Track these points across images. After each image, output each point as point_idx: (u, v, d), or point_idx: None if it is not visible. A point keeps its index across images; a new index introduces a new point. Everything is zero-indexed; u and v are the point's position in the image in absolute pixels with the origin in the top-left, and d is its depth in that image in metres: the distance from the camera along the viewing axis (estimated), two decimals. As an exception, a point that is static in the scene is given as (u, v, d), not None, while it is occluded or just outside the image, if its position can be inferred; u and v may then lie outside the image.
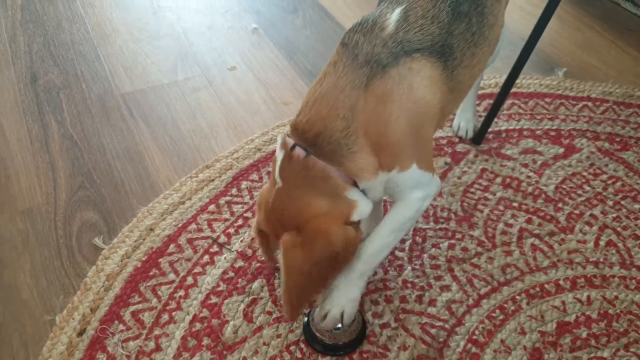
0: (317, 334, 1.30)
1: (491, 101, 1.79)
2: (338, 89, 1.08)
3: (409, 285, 1.43)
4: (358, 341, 1.31)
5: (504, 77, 1.72)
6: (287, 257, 1.08)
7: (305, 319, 1.34)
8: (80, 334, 1.33)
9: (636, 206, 1.62)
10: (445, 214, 1.59)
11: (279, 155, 1.12)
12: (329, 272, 1.12)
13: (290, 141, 1.12)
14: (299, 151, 1.09)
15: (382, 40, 1.09)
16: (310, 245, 1.07)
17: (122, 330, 1.34)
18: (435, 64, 1.11)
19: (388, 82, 1.07)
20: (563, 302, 1.40)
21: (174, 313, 1.37)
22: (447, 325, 1.35)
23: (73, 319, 1.35)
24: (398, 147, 1.10)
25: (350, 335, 1.30)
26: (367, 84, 1.07)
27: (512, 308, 1.38)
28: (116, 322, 1.35)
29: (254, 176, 1.69)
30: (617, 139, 1.83)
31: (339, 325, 1.26)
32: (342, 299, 1.21)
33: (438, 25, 1.13)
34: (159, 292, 1.41)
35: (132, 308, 1.38)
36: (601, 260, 1.49)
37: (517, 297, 1.41)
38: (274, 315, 1.36)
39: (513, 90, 1.97)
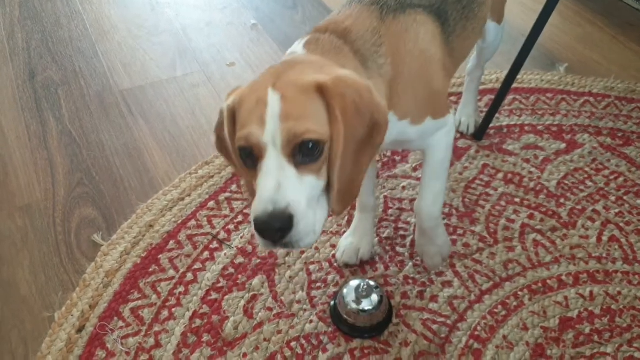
0: (344, 316, 1.31)
1: (492, 97, 1.78)
2: (356, 14, 1.07)
3: (410, 281, 1.42)
4: (384, 324, 1.32)
5: (505, 72, 1.71)
6: (341, 102, 0.90)
7: (333, 302, 1.35)
8: (80, 330, 1.32)
9: (638, 201, 1.61)
10: (446, 210, 1.58)
11: (297, 43, 1.07)
12: (367, 147, 0.95)
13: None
14: (328, 36, 1.04)
15: None
16: (357, 91, 0.92)
17: (121, 327, 1.32)
18: (435, 22, 1.14)
19: (398, 25, 1.08)
20: (566, 298, 1.39)
21: (173, 309, 1.36)
22: (449, 321, 1.34)
23: (72, 315, 1.34)
24: (411, 99, 1.09)
25: (378, 317, 1.31)
26: (383, 19, 1.07)
27: (515, 304, 1.37)
28: (115, 318, 1.34)
29: (254, 172, 1.68)
30: (620, 135, 1.82)
31: (367, 308, 1.29)
32: (435, 247, 1.33)
33: None
34: (159, 289, 1.40)
35: (131, 304, 1.37)
36: (604, 255, 1.48)
37: (520, 292, 1.40)
38: (275, 312, 1.35)
39: (514, 85, 1.95)
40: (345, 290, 1.33)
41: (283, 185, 0.88)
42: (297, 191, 0.89)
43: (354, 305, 1.30)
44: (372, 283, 1.33)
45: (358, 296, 1.30)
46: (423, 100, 1.12)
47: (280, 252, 1.35)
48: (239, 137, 0.92)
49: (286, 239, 0.88)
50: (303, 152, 0.89)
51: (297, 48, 1.06)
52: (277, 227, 0.87)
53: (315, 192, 0.92)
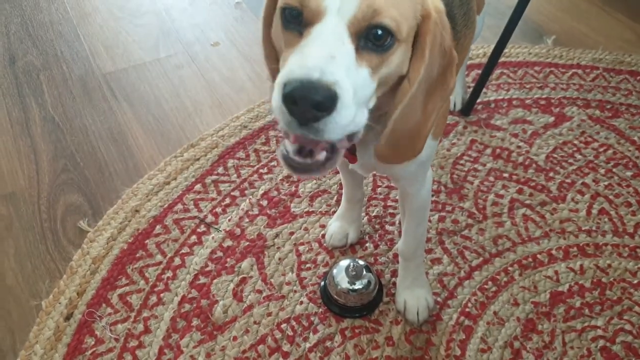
0: (335, 296, 1.30)
1: (480, 71, 1.76)
2: None
3: (400, 259, 1.41)
4: (375, 303, 1.32)
5: (493, 46, 1.69)
6: (434, 38, 0.79)
7: (322, 282, 1.35)
8: (68, 318, 1.30)
9: (628, 173, 1.60)
10: (435, 187, 1.56)
11: None
12: (438, 91, 0.85)
13: None
14: None
15: None
16: (447, 32, 0.83)
17: (110, 314, 1.31)
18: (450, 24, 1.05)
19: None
20: (556, 272, 1.38)
21: (162, 295, 1.35)
22: (439, 299, 1.33)
23: (60, 303, 1.33)
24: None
25: (368, 297, 1.31)
26: None
27: (505, 279, 1.37)
28: (104, 305, 1.33)
29: (241, 154, 1.66)
30: (608, 106, 1.81)
31: (357, 287, 1.28)
32: (418, 292, 1.30)
33: None
34: (146, 274, 1.39)
35: (119, 291, 1.36)
36: (594, 228, 1.48)
37: (510, 268, 1.39)
38: (264, 294, 1.34)
39: (502, 59, 1.94)
40: (335, 271, 1.32)
41: (338, 58, 0.70)
42: (350, 75, 0.72)
43: (343, 285, 1.29)
44: (361, 262, 1.32)
45: (348, 276, 1.29)
46: (444, 108, 1.00)
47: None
48: None
49: (319, 123, 0.70)
50: (368, 37, 0.74)
51: None
52: (317, 100, 0.68)
53: (363, 91, 0.76)
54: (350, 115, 0.72)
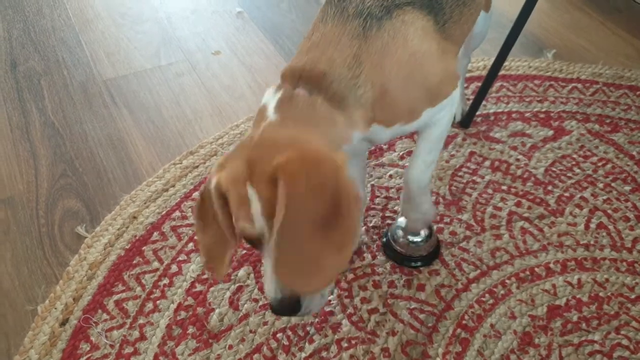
0: (397, 247, 1.43)
1: (480, 84, 1.76)
2: (334, 38, 1.02)
3: (397, 270, 1.41)
4: (433, 255, 1.44)
5: (493, 59, 1.69)
6: (290, 182, 0.87)
7: (384, 238, 1.47)
8: (63, 323, 1.30)
9: (627, 188, 1.60)
10: (433, 198, 1.56)
11: (272, 96, 1.02)
12: (334, 226, 0.90)
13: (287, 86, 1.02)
14: (301, 91, 1.00)
15: None
16: (315, 169, 0.90)
17: (105, 320, 1.31)
18: (425, 16, 1.08)
19: (383, 37, 1.02)
20: (554, 286, 1.38)
21: (158, 302, 1.34)
22: (436, 310, 1.33)
23: (55, 308, 1.32)
24: (401, 107, 1.06)
25: (427, 249, 1.43)
26: (365, 36, 1.01)
27: (502, 292, 1.37)
28: (100, 311, 1.32)
29: (240, 162, 1.66)
30: (607, 121, 1.82)
31: (418, 239, 1.42)
32: (419, 214, 1.33)
33: None
34: (143, 281, 1.38)
35: (115, 297, 1.35)
36: (592, 242, 1.47)
37: (507, 281, 1.39)
38: (261, 303, 1.34)
39: (501, 72, 1.94)
40: (396, 225, 1.45)
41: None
42: None
43: (404, 237, 1.43)
44: None
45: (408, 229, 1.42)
46: (417, 100, 1.08)
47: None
48: (238, 228, 0.96)
49: (298, 314, 1.00)
50: None
51: (270, 109, 1.00)
52: (287, 312, 1.00)
53: None
54: (316, 296, 1.01)
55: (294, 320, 1.31)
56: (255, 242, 0.96)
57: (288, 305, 0.98)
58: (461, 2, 1.18)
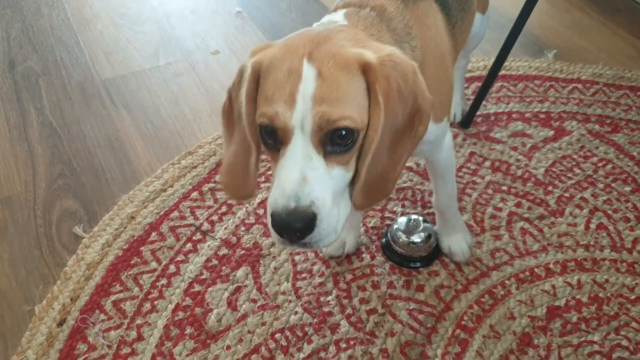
0: (396, 248, 1.42)
1: (480, 84, 1.76)
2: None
3: (397, 270, 1.40)
4: (432, 257, 1.43)
5: (493, 59, 1.68)
6: (385, 84, 0.81)
7: (383, 239, 1.46)
8: (60, 324, 1.29)
9: (627, 188, 1.59)
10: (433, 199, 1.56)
11: (333, 14, 0.97)
12: (406, 138, 0.87)
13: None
14: (369, 11, 0.95)
15: None
16: (404, 74, 0.84)
17: (103, 320, 1.30)
18: (441, 12, 1.08)
19: (420, 9, 1.01)
20: (553, 286, 1.37)
21: (156, 302, 1.34)
22: (435, 311, 1.32)
23: (53, 309, 1.32)
24: (435, 92, 0.95)
25: (427, 250, 1.42)
26: (405, 1, 0.99)
27: (502, 293, 1.36)
28: (97, 311, 1.32)
29: (238, 162, 1.65)
30: (608, 121, 1.81)
31: (418, 240, 1.41)
32: (458, 235, 1.40)
33: None
34: (141, 281, 1.37)
35: (113, 297, 1.34)
36: (592, 243, 1.47)
37: (507, 281, 1.38)
38: (259, 303, 1.33)
39: (502, 73, 1.94)
40: (395, 226, 1.44)
41: (309, 178, 0.79)
42: (324, 186, 0.80)
43: (405, 238, 1.41)
44: (420, 218, 1.45)
45: (408, 229, 1.42)
46: (444, 94, 1.06)
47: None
48: (262, 114, 0.82)
49: (306, 239, 0.81)
50: (334, 141, 0.81)
51: (337, 17, 0.95)
52: (298, 228, 0.79)
53: (341, 185, 0.84)
54: (333, 220, 0.82)
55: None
56: (276, 137, 0.82)
57: (300, 220, 0.79)
58: (462, 8, 1.19)
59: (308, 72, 0.79)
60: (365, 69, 0.81)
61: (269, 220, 0.81)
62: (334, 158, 0.82)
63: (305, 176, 0.79)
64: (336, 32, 0.86)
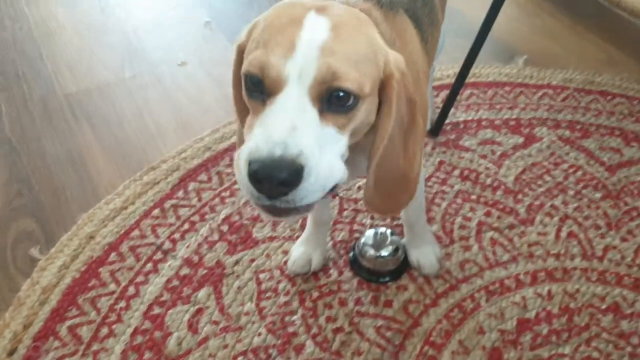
0: (364, 263, 1.38)
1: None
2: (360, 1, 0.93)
3: (364, 286, 1.37)
4: (401, 270, 1.39)
5: (461, 66, 1.66)
6: (399, 91, 0.81)
7: (351, 253, 1.42)
8: (11, 353, 1.24)
9: (597, 195, 1.57)
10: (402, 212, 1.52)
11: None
12: (412, 133, 0.86)
13: None
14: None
15: None
16: (408, 80, 0.84)
17: (57, 347, 1.25)
18: (415, 28, 1.04)
19: (400, 22, 0.98)
20: (523, 298, 1.34)
21: (114, 326, 1.29)
22: (403, 327, 1.29)
23: (4, 337, 1.26)
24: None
25: (395, 263, 1.39)
26: (385, 12, 0.94)
27: (471, 306, 1.33)
28: (51, 338, 1.27)
29: (203, 177, 1.61)
30: (578, 127, 1.79)
31: (385, 254, 1.37)
32: (427, 248, 1.38)
33: None
34: (98, 304, 1.33)
35: (68, 322, 1.30)
36: (562, 252, 1.44)
37: (476, 294, 1.35)
38: (221, 325, 1.29)
39: (471, 80, 1.91)
40: (362, 240, 1.40)
41: (300, 127, 0.71)
42: (315, 139, 0.73)
43: (372, 252, 1.38)
44: (388, 230, 1.42)
45: (376, 243, 1.38)
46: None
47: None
48: (250, 60, 0.75)
49: (289, 195, 0.72)
50: (331, 100, 0.75)
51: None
52: (282, 178, 0.69)
53: (334, 146, 0.77)
54: (322, 175, 0.73)
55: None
56: (262, 88, 0.76)
57: (286, 169, 0.69)
58: (431, 22, 1.15)
59: (318, 21, 0.75)
60: (388, 76, 0.80)
61: (242, 171, 0.72)
62: (329, 117, 0.76)
63: (296, 125, 0.71)
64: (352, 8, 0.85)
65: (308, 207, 0.77)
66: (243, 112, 0.87)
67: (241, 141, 0.87)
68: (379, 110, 0.83)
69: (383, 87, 0.81)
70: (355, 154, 0.86)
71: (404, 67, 0.83)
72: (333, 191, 0.80)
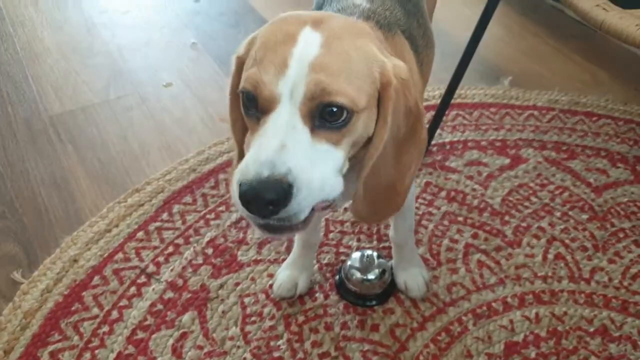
0: (350, 286, 1.36)
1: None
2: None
3: (351, 309, 1.35)
4: (388, 293, 1.38)
5: (446, 87, 1.67)
6: (397, 99, 0.80)
7: (337, 276, 1.41)
8: (-10, 381, 1.22)
9: (584, 216, 1.57)
10: (388, 232, 1.51)
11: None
12: (410, 145, 0.85)
13: None
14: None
15: (370, 9, 0.98)
16: (409, 89, 0.82)
17: (37, 374, 1.22)
18: (412, 49, 1.03)
19: (398, 46, 0.97)
20: (511, 321, 1.33)
21: (96, 351, 1.26)
22: (390, 352, 1.27)
23: (-17, 364, 1.24)
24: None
25: (381, 286, 1.37)
26: (384, 34, 0.94)
27: (458, 330, 1.32)
28: (32, 365, 1.24)
29: (187, 199, 1.60)
30: (564, 148, 1.79)
31: (372, 277, 1.35)
32: (414, 270, 1.37)
33: (400, 11, 1.05)
34: (81, 329, 1.30)
35: (50, 348, 1.27)
36: (550, 274, 1.44)
37: (464, 317, 1.34)
38: (205, 350, 1.27)
39: (457, 101, 1.92)
40: (349, 263, 1.39)
41: (289, 145, 0.72)
42: (305, 155, 0.73)
43: (358, 276, 1.36)
44: (375, 253, 1.40)
45: (362, 266, 1.37)
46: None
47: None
48: (247, 78, 0.75)
49: (279, 214, 0.72)
50: (323, 116, 0.74)
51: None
52: (269, 199, 0.70)
53: (330, 162, 0.77)
54: (314, 194, 0.73)
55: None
56: (257, 105, 0.76)
57: (273, 189, 0.69)
58: (427, 45, 1.15)
59: (311, 37, 0.75)
60: (384, 84, 0.79)
61: (234, 192, 0.73)
62: (322, 133, 0.75)
63: (285, 143, 0.72)
64: (349, 18, 0.87)
65: (303, 224, 0.77)
66: (237, 122, 0.89)
67: (240, 153, 0.91)
68: (376, 121, 0.82)
69: (380, 98, 0.81)
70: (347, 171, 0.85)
71: (405, 74, 0.82)
72: (331, 206, 0.81)
